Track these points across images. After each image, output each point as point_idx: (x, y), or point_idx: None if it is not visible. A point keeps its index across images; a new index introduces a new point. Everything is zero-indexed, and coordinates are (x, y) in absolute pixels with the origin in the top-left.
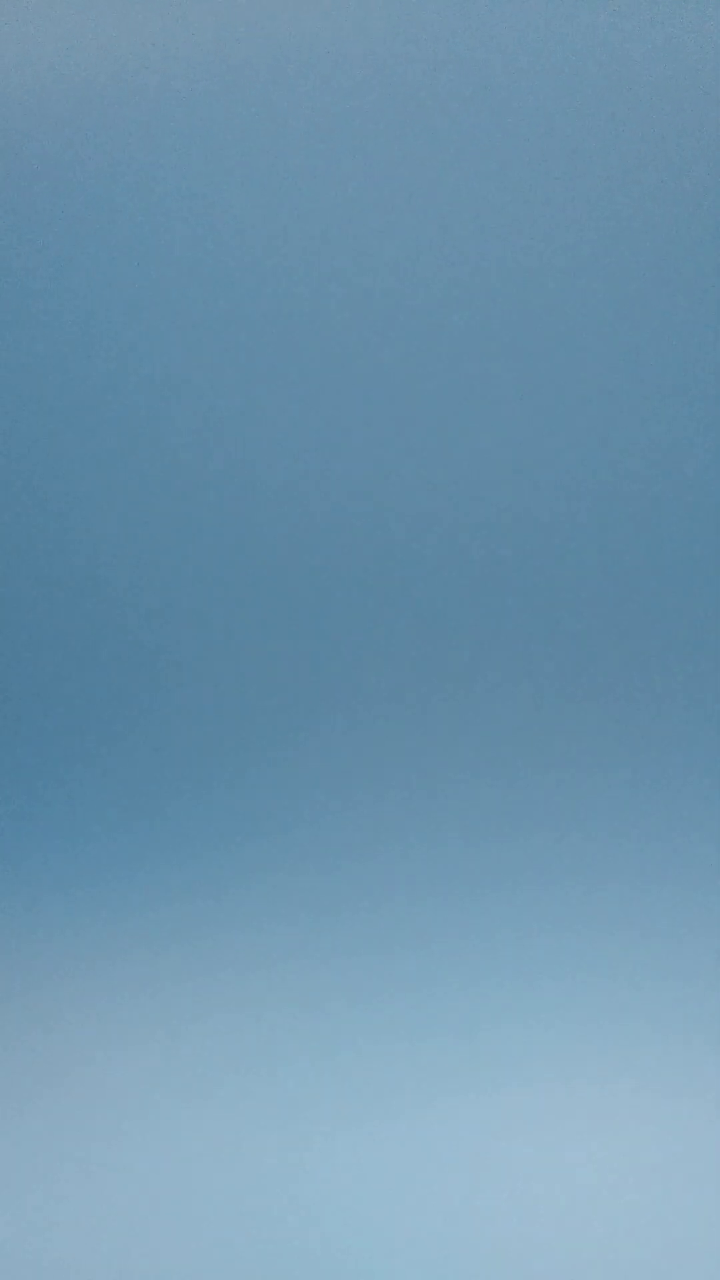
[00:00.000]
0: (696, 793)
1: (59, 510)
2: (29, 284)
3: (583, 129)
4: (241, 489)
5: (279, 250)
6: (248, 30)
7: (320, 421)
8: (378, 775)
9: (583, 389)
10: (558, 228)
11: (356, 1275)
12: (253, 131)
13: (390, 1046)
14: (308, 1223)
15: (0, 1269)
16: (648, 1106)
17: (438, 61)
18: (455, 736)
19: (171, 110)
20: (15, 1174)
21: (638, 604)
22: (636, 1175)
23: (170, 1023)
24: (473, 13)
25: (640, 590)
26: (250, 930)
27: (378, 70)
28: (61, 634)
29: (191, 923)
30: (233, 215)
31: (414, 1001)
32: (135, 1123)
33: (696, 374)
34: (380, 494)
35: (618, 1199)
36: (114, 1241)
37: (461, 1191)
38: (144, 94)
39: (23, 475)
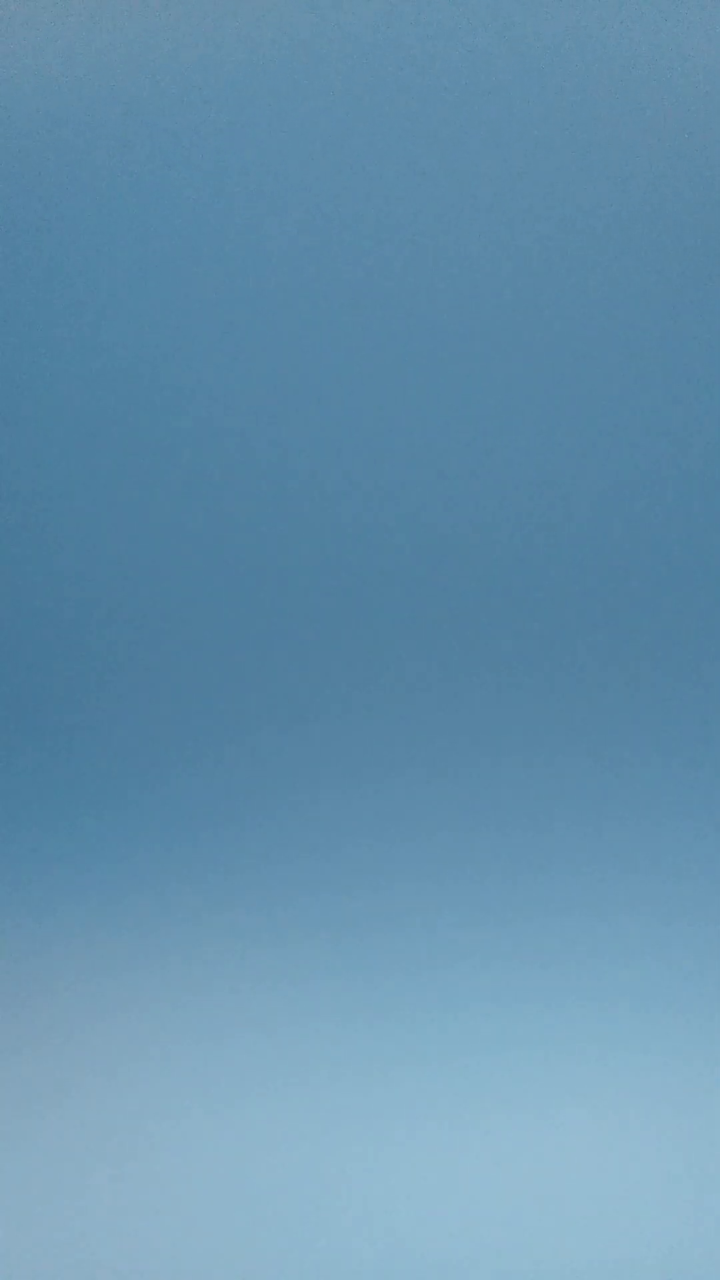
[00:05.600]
0: (702, 813)
1: (62, 500)
2: (29, 288)
3: (583, 132)
4: (244, 480)
5: (280, 253)
6: (248, 33)
7: (321, 415)
8: (386, 797)
9: (583, 394)
10: (559, 229)
11: None
12: (253, 132)
13: (396, 1064)
14: (312, 1235)
15: (7, 1274)
16: (653, 1125)
17: (438, 65)
18: (461, 756)
19: (171, 113)
20: (20, 1186)
21: (640, 605)
22: (640, 1192)
23: (176, 1037)
24: (472, 16)
25: (642, 591)
26: (257, 945)
27: (378, 71)
28: (63, 639)
29: (198, 939)
30: (233, 219)
31: (420, 1019)
32: (140, 1135)
33: (698, 379)
34: (381, 493)
35: (621, 1215)
36: (120, 1250)
37: (466, 1208)
38: (143, 98)
39: (24, 470)
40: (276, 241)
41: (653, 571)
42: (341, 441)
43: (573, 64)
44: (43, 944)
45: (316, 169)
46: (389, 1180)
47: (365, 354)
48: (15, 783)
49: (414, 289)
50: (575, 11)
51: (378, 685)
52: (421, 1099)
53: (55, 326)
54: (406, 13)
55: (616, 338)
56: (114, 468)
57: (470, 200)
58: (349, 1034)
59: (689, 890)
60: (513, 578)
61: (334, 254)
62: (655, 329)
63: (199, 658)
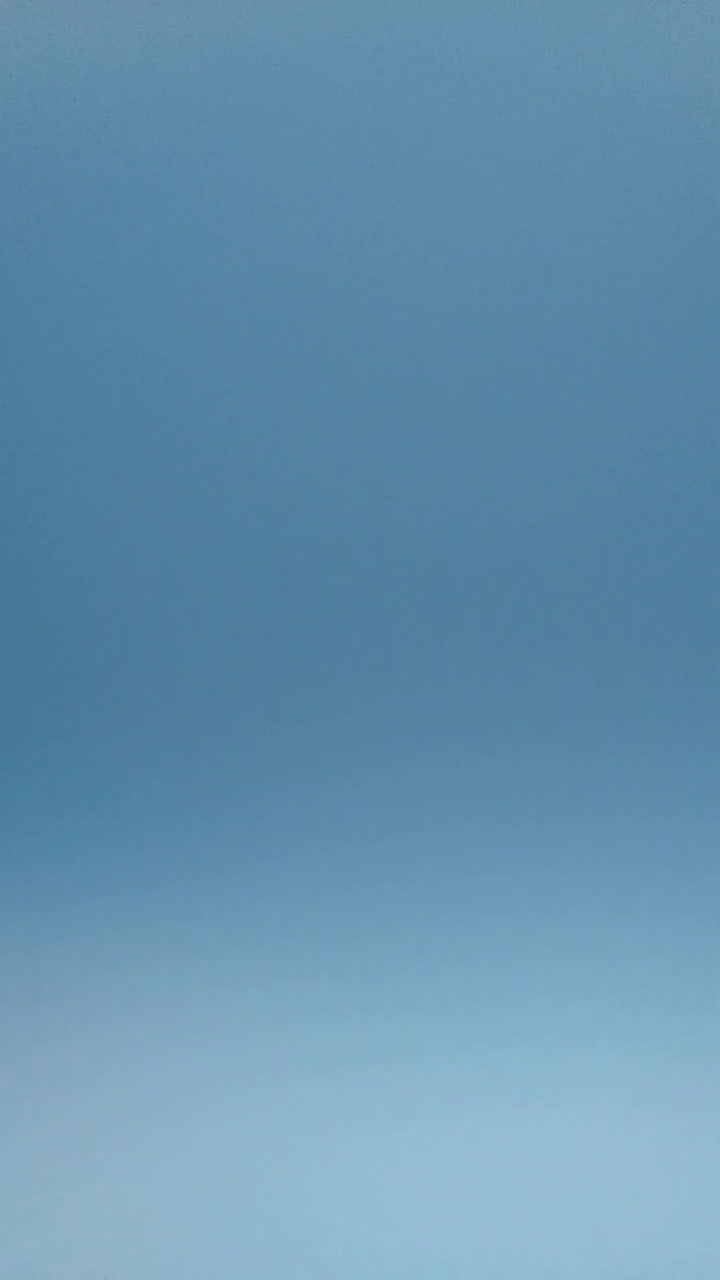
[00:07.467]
0: (702, 807)
1: (62, 499)
2: (31, 287)
3: (582, 134)
4: (243, 477)
5: (280, 255)
6: (248, 32)
7: (320, 413)
8: (384, 793)
9: (581, 392)
10: (557, 232)
11: None
12: (253, 130)
13: (393, 1058)
14: (307, 1234)
15: (5, 1267)
16: (647, 1123)
17: (438, 66)
18: (459, 751)
19: (172, 112)
20: (15, 1183)
21: (639, 599)
22: (635, 1189)
23: (173, 1032)
24: (474, 19)
25: (641, 585)
26: (255, 940)
27: (378, 72)
28: (62, 637)
29: (196, 938)
30: (234, 221)
31: (415, 1019)
32: (136, 1134)
33: (695, 380)
34: (381, 489)
35: (616, 1212)
36: (114, 1248)
37: (461, 1205)
38: (144, 96)
39: (23, 471)
40: (276, 243)
41: (651, 567)
42: (342, 434)
43: (573, 67)
44: (41, 940)
45: (316, 168)
46: (385, 1173)
47: (365, 350)
48: (16, 778)
49: (413, 289)
50: (576, 14)
51: (377, 680)
52: (419, 1092)
53: (54, 326)
54: (407, 15)
55: (615, 339)
56: (115, 465)
57: (470, 202)
58: (346, 1028)
59: (689, 884)
60: (510, 574)
61: (334, 255)
62: (654, 330)
63: (199, 652)
